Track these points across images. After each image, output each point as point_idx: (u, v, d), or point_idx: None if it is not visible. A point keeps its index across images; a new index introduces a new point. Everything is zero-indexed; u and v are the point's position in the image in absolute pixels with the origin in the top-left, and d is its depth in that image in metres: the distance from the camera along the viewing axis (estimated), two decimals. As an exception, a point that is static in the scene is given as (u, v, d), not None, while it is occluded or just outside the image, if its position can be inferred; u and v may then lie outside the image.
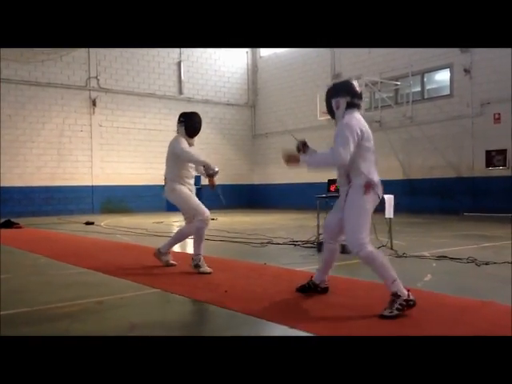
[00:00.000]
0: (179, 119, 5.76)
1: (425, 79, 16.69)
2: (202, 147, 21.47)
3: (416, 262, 6.07)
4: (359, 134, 3.80)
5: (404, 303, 3.57)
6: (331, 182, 7.46)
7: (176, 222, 13.90)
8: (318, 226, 7.42)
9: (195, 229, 5.53)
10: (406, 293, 3.62)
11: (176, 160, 5.60)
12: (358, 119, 3.90)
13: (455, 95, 15.53)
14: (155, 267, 5.78)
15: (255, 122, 22.99)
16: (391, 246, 7.10)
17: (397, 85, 16.97)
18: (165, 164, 5.84)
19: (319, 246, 7.28)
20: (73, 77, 18.61)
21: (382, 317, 3.54)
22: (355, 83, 4.04)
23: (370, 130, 3.98)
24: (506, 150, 14.19)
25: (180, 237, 6.03)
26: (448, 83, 15.88)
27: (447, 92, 15.92)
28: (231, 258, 6.73)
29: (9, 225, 12.14)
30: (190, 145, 5.67)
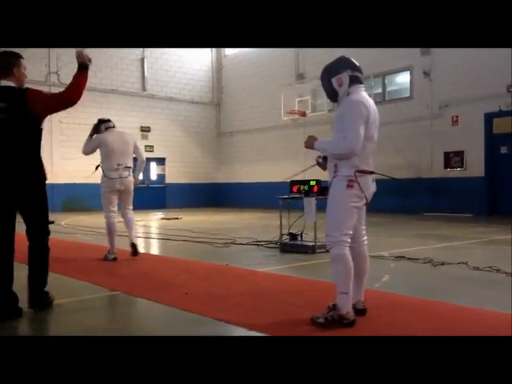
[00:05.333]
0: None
1: (386, 81, 17.01)
2: (168, 144, 21.36)
3: (375, 262, 6.17)
4: (365, 116, 3.36)
5: (336, 318, 3.36)
6: (294, 182, 7.53)
7: (139, 222, 13.75)
8: (281, 226, 7.49)
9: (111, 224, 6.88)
10: (348, 311, 3.38)
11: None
12: (365, 98, 3.45)
13: (415, 97, 15.90)
14: (115, 268, 5.71)
15: (220, 121, 22.94)
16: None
17: (359, 86, 17.23)
18: (124, 154, 6.93)
19: (282, 247, 7.35)
20: (32, 71, 18.06)
21: (311, 319, 3.44)
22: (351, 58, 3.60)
23: (377, 115, 3.52)
24: (463, 152, 14.62)
25: (132, 224, 6.95)
26: (408, 85, 16.25)
27: (407, 94, 16.27)
28: (193, 258, 6.71)
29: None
30: None
